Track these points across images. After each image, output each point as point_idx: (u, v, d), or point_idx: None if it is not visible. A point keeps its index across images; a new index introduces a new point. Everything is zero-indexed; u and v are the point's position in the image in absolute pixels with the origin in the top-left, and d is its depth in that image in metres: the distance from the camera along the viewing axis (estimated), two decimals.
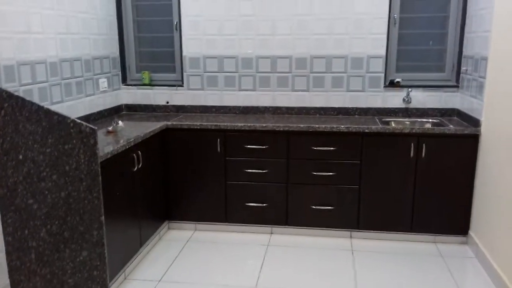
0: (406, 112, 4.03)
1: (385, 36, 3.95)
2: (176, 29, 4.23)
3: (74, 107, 3.58)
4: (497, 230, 3.07)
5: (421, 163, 3.54)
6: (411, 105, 4.01)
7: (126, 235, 3.14)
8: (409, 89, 3.97)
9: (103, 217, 1.41)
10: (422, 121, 3.95)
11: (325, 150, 3.64)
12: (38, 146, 1.26)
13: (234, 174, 3.79)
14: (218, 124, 3.73)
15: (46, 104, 3.15)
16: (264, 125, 3.68)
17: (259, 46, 4.11)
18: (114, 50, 4.21)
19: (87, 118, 3.71)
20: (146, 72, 4.32)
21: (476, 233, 3.48)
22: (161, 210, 3.82)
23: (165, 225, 3.94)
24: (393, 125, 3.87)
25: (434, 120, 3.90)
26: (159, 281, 3.18)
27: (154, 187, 3.65)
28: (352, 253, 3.54)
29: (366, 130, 3.55)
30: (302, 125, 3.64)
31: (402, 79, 4.02)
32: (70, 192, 1.34)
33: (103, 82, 4.00)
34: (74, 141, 1.33)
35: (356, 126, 3.58)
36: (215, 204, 3.87)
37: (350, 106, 4.10)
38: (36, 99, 3.12)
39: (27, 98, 1.24)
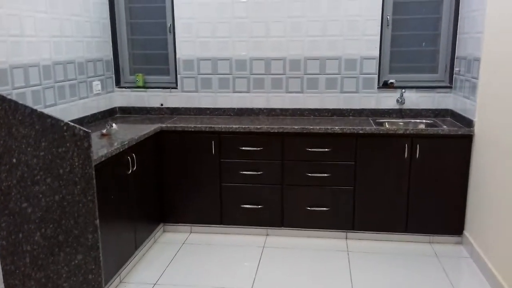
0: (400, 113, 4.05)
1: (378, 37, 3.96)
2: (170, 32, 4.23)
3: (67, 110, 3.56)
4: (492, 230, 3.08)
5: (415, 163, 3.55)
6: (405, 106, 4.03)
7: (121, 238, 3.13)
8: (403, 90, 3.99)
9: (97, 221, 1.41)
10: (416, 121, 3.96)
11: (319, 151, 3.64)
12: (32, 149, 1.26)
13: (229, 176, 3.79)
14: (213, 126, 3.73)
15: (39, 107, 3.14)
16: (258, 127, 3.68)
17: (252, 48, 4.11)
18: (107, 52, 4.20)
19: (80, 121, 3.70)
20: (140, 74, 4.31)
21: (471, 233, 3.49)
22: (156, 212, 3.81)
23: (160, 227, 3.93)
24: (387, 126, 3.88)
25: (428, 121, 3.92)
26: (155, 284, 3.16)
27: (149, 189, 3.64)
28: (348, 254, 3.54)
29: (360, 131, 3.56)
30: (296, 127, 3.64)
31: (396, 80, 4.03)
32: (65, 195, 1.34)
33: (96, 85, 3.99)
34: (68, 144, 1.32)
35: (350, 127, 3.59)
36: (210, 206, 3.86)
37: (344, 107, 4.11)
38: (29, 103, 3.10)
39: (20, 102, 1.23)
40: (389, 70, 4.09)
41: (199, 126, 3.74)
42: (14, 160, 1.24)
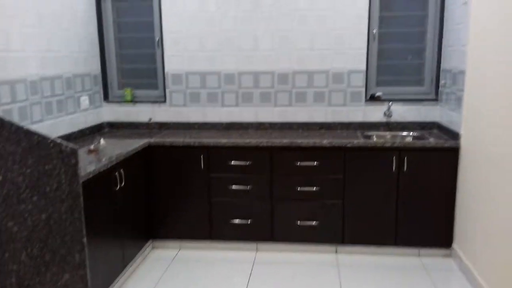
0: (387, 125, 4.08)
1: (365, 51, 4.01)
2: (158, 46, 4.23)
3: (55, 126, 3.53)
4: (480, 243, 3.10)
5: (403, 176, 3.57)
6: (392, 119, 4.06)
7: (109, 256, 3.08)
8: (390, 103, 4.02)
9: (85, 239, 1.39)
10: (403, 134, 4.00)
11: (308, 165, 3.65)
12: (18, 167, 1.24)
13: (218, 190, 3.77)
14: (201, 140, 3.72)
15: (26, 124, 3.11)
16: (247, 141, 3.68)
17: (241, 61, 4.13)
18: (95, 67, 4.18)
19: (68, 137, 3.66)
20: (128, 89, 4.30)
21: (459, 246, 3.51)
22: (145, 229, 3.77)
23: (149, 244, 3.89)
24: (375, 139, 3.91)
25: (415, 134, 3.96)
26: None
27: (137, 205, 3.61)
28: (338, 268, 3.53)
29: (349, 145, 3.58)
30: (285, 141, 3.65)
31: (383, 93, 4.07)
32: (51, 213, 1.31)
33: (84, 100, 3.97)
34: (55, 162, 1.31)
35: (338, 140, 3.61)
36: (199, 222, 3.83)
37: (332, 120, 4.14)
38: (16, 119, 3.07)
39: (7, 119, 1.22)
40: (376, 83, 4.13)
41: (188, 140, 3.73)
42: (0, 178, 1.22)
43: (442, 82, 3.91)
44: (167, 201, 3.82)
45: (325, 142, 3.60)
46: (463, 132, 3.41)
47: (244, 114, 4.22)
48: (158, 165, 3.77)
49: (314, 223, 3.73)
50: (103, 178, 2.96)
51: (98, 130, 4.20)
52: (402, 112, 4.05)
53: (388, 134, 4.02)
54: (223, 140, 3.71)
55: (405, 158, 3.54)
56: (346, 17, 3.97)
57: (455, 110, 3.57)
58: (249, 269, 3.54)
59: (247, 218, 3.79)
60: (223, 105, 4.23)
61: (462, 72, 3.42)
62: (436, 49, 3.97)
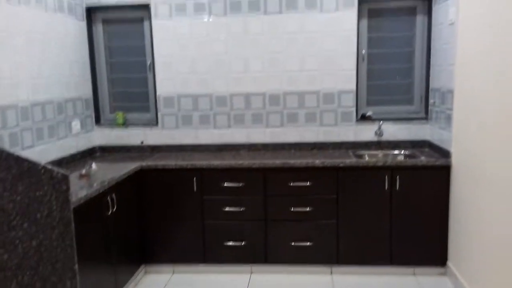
0: (378, 145, 4.10)
1: (354, 71, 4.06)
2: (150, 69, 4.26)
3: (46, 151, 3.51)
4: (475, 260, 3.09)
5: (396, 195, 3.58)
6: (383, 138, 4.09)
7: (101, 282, 3.04)
8: (380, 122, 4.06)
9: (76, 266, 1.37)
10: (395, 153, 4.02)
11: (301, 185, 3.64)
12: (8, 194, 1.23)
13: (211, 213, 3.75)
14: (194, 163, 3.71)
15: (17, 149, 3.09)
16: (240, 162, 3.68)
17: (232, 83, 4.16)
18: (87, 91, 4.19)
19: (59, 161, 3.64)
20: (120, 112, 4.30)
21: (454, 264, 3.50)
22: (137, 253, 3.72)
23: (142, 269, 3.83)
24: (366, 158, 3.93)
25: (406, 152, 3.98)
26: None
27: (130, 230, 3.57)
28: None
29: (341, 165, 3.59)
30: (277, 161, 3.65)
31: (373, 113, 4.11)
32: (42, 240, 1.30)
33: (75, 124, 3.96)
34: (46, 188, 1.30)
35: (330, 160, 3.62)
36: (192, 245, 3.80)
37: (324, 140, 4.16)
38: (6, 145, 3.05)
39: None
40: (366, 103, 4.17)
41: (180, 163, 3.72)
42: None
43: (431, 101, 3.95)
44: (159, 224, 3.78)
45: (318, 162, 3.61)
46: (454, 150, 3.44)
47: (236, 136, 4.23)
48: (151, 188, 3.75)
49: (308, 243, 3.71)
50: (94, 203, 2.93)
51: (89, 154, 4.18)
52: (393, 131, 4.08)
53: (379, 153, 4.04)
54: (216, 162, 3.71)
55: (397, 177, 3.55)
56: (335, 38, 4.02)
57: (445, 129, 3.61)
58: None
59: (240, 240, 3.76)
60: (215, 127, 4.24)
61: (451, 91, 3.46)
62: (424, 69, 4.03)
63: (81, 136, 4.07)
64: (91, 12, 4.24)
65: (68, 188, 1.33)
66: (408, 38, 4.07)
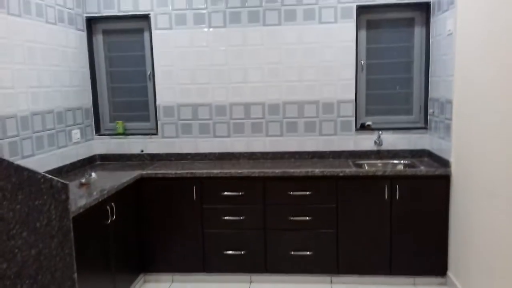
0: (378, 154, 4.11)
1: (353, 81, 4.07)
2: (150, 79, 4.28)
3: (46, 160, 3.52)
4: (474, 270, 3.09)
5: (396, 204, 3.58)
6: (383, 147, 4.10)
7: None
8: (380, 132, 4.07)
9: (75, 274, 1.37)
10: (394, 162, 4.02)
11: (301, 194, 3.65)
12: (8, 203, 1.23)
13: (211, 222, 3.74)
14: (194, 171, 3.72)
15: (16, 159, 3.10)
16: (239, 171, 3.68)
17: (232, 93, 4.18)
18: (87, 101, 4.20)
19: (59, 170, 3.65)
20: (120, 121, 4.32)
21: (454, 274, 3.49)
22: (136, 262, 3.71)
23: (141, 278, 3.82)
24: (366, 167, 3.93)
25: (406, 162, 3.98)
26: None
27: (129, 239, 3.57)
28: None
29: (341, 174, 3.59)
30: (277, 170, 3.66)
31: (373, 122, 4.12)
32: (41, 249, 1.30)
33: (75, 133, 3.97)
34: (45, 197, 1.30)
35: (330, 169, 3.62)
36: (192, 254, 3.79)
37: (323, 149, 4.16)
38: (6, 154, 3.06)
39: None
40: (365, 112, 4.18)
41: (180, 172, 3.72)
42: None
43: (430, 111, 3.96)
44: (159, 233, 3.78)
45: (317, 171, 3.61)
46: (453, 160, 3.45)
47: (236, 145, 4.24)
48: (150, 197, 3.75)
49: (308, 253, 3.70)
50: (94, 212, 2.94)
51: (89, 162, 4.18)
52: (392, 141, 4.09)
53: (379, 163, 4.04)
54: (216, 170, 3.71)
55: (397, 186, 3.55)
56: (334, 49, 4.05)
57: (445, 138, 3.61)
58: None
59: (240, 250, 3.76)
60: (215, 136, 4.25)
61: (450, 101, 3.48)
62: (423, 79, 4.05)
63: (81, 145, 4.08)
64: (91, 23, 4.27)
65: (67, 197, 1.34)
66: (407, 49, 4.09)
